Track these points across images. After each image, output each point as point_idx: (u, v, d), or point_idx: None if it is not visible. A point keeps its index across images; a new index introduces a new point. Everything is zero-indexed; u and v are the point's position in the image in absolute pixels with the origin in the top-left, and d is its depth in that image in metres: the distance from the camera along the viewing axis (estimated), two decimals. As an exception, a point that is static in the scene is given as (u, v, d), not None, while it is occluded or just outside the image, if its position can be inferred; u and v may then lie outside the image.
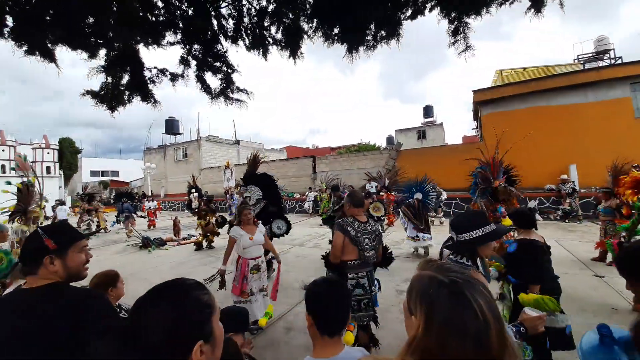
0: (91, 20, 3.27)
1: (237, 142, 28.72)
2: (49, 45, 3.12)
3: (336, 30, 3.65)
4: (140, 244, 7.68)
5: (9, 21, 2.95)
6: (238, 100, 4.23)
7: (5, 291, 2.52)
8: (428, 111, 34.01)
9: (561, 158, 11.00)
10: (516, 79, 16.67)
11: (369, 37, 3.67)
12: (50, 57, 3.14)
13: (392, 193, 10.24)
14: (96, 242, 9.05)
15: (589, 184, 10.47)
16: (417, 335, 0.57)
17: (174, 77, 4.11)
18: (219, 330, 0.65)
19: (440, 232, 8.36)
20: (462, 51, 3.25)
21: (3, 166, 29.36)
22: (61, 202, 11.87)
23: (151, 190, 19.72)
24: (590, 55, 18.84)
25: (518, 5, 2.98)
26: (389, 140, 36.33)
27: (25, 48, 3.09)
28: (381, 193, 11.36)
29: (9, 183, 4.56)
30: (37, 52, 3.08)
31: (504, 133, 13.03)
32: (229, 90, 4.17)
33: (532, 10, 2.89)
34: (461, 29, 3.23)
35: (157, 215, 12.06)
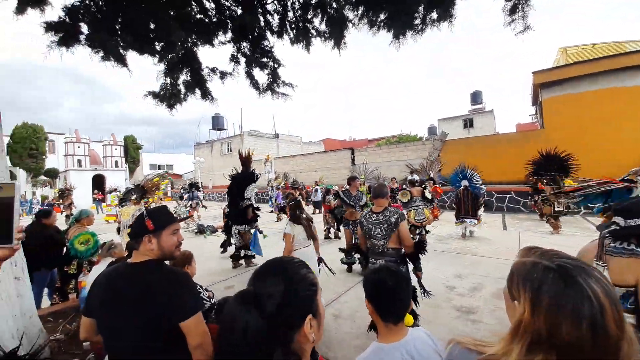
0: (153, 25, 3.60)
1: (277, 135, 29.57)
2: (121, 51, 3.51)
3: (382, 17, 3.53)
4: (196, 230, 8.42)
5: (84, 29, 3.36)
6: (283, 94, 4.35)
7: (93, 269, 2.96)
8: (476, 97, 31.40)
9: (638, 145, 9.45)
10: (584, 57, 14.53)
11: (417, 21, 3.49)
12: (122, 62, 3.52)
13: (437, 185, 9.73)
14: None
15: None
16: (522, 319, 0.57)
17: (223, 75, 4.36)
18: (322, 308, 0.70)
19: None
20: (520, 32, 2.93)
21: (80, 161, 34.03)
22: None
23: (201, 182, 21.34)
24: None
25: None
26: (431, 130, 34.43)
27: (101, 54, 3.51)
28: (424, 185, 10.88)
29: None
30: (112, 58, 3.48)
31: (570, 118, 11.61)
32: (275, 84, 4.30)
33: None
34: (520, 6, 2.90)
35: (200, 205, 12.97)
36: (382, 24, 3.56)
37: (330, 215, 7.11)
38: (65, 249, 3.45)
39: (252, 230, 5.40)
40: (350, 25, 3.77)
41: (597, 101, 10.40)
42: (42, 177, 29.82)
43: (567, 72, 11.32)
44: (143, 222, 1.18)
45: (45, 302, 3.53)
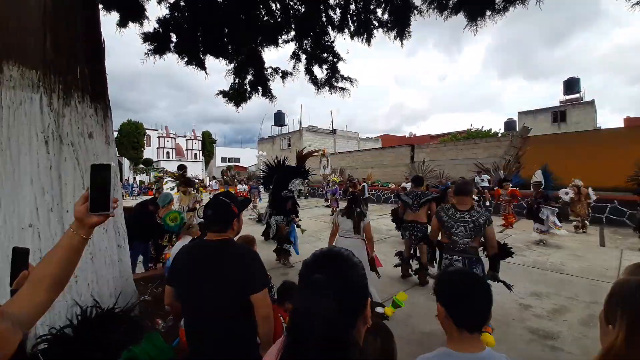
0: (226, 30, 3.95)
1: (334, 131, 29.83)
2: (201, 55, 3.96)
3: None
4: (257, 219, 9.11)
5: (173, 37, 3.87)
6: (342, 88, 4.34)
7: (175, 244, 3.45)
8: (572, 85, 26.37)
9: None
10: None
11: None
12: (202, 65, 3.98)
13: (513, 187, 8.53)
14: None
15: None
16: (614, 345, 0.49)
17: (284, 75, 4.56)
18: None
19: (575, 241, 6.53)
20: (637, 3, 2.31)
21: (168, 152, 39.96)
22: (213, 177, 15.75)
23: (244, 174, 22.93)
24: None
25: None
26: (509, 125, 30.37)
27: (185, 59, 4.01)
28: (496, 187, 9.68)
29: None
30: (194, 62, 3.96)
31: None
32: (333, 79, 4.32)
33: None
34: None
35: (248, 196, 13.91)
36: (454, 7, 3.24)
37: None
38: (158, 225, 4.13)
39: (290, 224, 5.30)
40: (416, 12, 3.53)
41: None
42: (141, 165, 35.93)
43: None
44: (230, 208, 1.35)
45: (140, 269, 4.26)
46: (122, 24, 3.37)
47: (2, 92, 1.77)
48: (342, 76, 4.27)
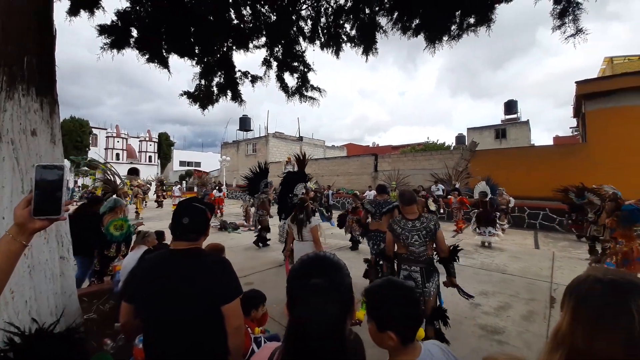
0: (193, 30, 3.81)
1: (300, 138, 29.95)
2: (164, 53, 3.75)
3: (416, 22, 3.48)
4: (219, 226, 8.72)
5: (134, 32, 3.62)
6: (311, 97, 4.42)
7: (128, 255, 3.15)
8: (511, 107, 29.89)
9: None
10: (631, 68, 13.38)
11: (453, 27, 3.41)
12: (164, 64, 3.76)
13: (464, 196, 9.34)
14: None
15: None
16: (561, 327, 0.57)
17: (254, 79, 4.52)
18: None
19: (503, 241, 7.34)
20: (571, 35, 2.76)
21: (118, 154, 36.52)
22: (177, 183, 14.71)
23: (225, 181, 22.08)
24: None
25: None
26: (459, 139, 33.19)
27: (147, 56, 3.76)
28: (449, 196, 10.50)
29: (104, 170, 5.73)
30: (156, 60, 3.73)
31: (615, 133, 10.78)
32: (304, 88, 4.38)
33: None
34: (570, 9, 2.75)
35: (223, 202, 13.32)
36: (416, 30, 3.52)
37: (355, 222, 6.65)
38: (103, 234, 3.71)
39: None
40: (381, 31, 3.76)
41: (648, 116, 9.52)
42: (85, 168, 32.32)
43: (613, 84, 10.47)
44: (206, 214, 1.30)
45: (85, 284, 3.81)
46: (73, 12, 3.07)
47: None
48: (312, 86, 4.36)
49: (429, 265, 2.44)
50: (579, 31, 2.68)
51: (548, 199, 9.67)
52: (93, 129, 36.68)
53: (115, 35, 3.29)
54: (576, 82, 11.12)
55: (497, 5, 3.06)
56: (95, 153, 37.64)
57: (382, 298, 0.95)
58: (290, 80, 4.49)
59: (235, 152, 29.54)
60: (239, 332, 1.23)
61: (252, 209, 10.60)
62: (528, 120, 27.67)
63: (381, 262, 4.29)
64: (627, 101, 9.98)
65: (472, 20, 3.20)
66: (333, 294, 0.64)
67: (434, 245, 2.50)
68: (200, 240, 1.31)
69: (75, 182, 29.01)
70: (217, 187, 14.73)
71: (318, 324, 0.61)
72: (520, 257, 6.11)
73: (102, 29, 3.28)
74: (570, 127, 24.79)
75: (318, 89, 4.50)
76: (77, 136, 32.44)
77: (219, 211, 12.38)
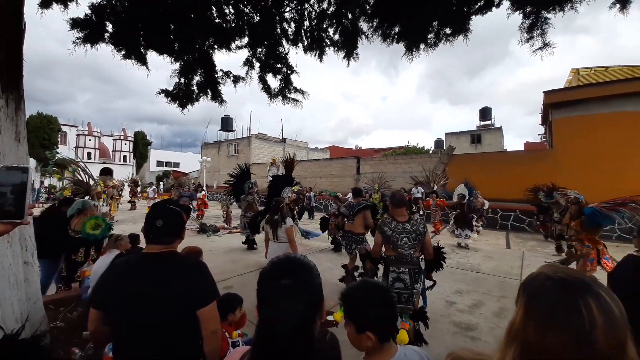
0: (173, 27, 3.72)
1: (284, 140, 29.81)
2: (142, 50, 3.63)
3: (396, 29, 3.60)
4: (198, 229, 8.48)
5: (109, 27, 3.49)
6: (294, 99, 4.43)
7: (98, 260, 3.00)
8: (486, 113, 31.35)
9: (653, 172, 9.29)
10: (596, 79, 14.51)
11: (430, 35, 3.55)
12: (142, 60, 3.64)
13: (441, 198, 9.68)
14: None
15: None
16: (515, 320, 0.59)
17: (236, 79, 4.46)
18: None
19: (478, 241, 7.69)
20: (539, 49, 2.95)
21: (89, 153, 34.59)
22: (151, 184, 14.09)
23: (206, 182, 21.54)
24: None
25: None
26: (438, 143, 34.35)
27: (123, 52, 3.63)
28: (427, 198, 10.84)
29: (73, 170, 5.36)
30: (133, 56, 3.60)
31: (580, 140, 11.55)
32: (286, 90, 4.39)
33: (618, 5, 2.53)
34: (538, 24, 2.94)
35: (205, 204, 12.99)
36: (395, 37, 3.64)
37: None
38: (71, 237, 3.51)
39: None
40: (363, 37, 3.85)
41: (608, 124, 10.32)
42: (52, 168, 30.41)
43: (578, 94, 11.29)
44: (182, 217, 1.28)
45: (52, 289, 3.59)
46: (46, 4, 2.90)
47: None
48: (295, 88, 4.37)
49: (417, 267, 2.49)
50: (546, 45, 2.87)
51: (519, 201, 10.22)
52: (62, 126, 34.59)
53: (89, 29, 3.15)
54: (544, 92, 11.87)
55: (472, 17, 3.22)
56: (64, 152, 35.55)
57: (359, 300, 0.98)
58: (273, 81, 4.48)
59: (216, 152, 28.90)
60: (215, 336, 1.21)
61: (233, 211, 10.47)
62: (501, 126, 29.16)
63: (356, 273, 4.37)
64: (591, 110, 10.78)
65: (448, 31, 3.35)
66: (303, 294, 0.66)
67: (420, 248, 2.55)
68: (175, 243, 1.28)
69: (42, 182, 27.22)
70: (199, 189, 14.36)
71: (287, 324, 0.62)
72: (493, 256, 6.42)
73: (75, 23, 3.12)
74: (539, 134, 26.38)
75: (301, 91, 4.52)
76: (44, 134, 30.44)
77: (199, 213, 12.07)
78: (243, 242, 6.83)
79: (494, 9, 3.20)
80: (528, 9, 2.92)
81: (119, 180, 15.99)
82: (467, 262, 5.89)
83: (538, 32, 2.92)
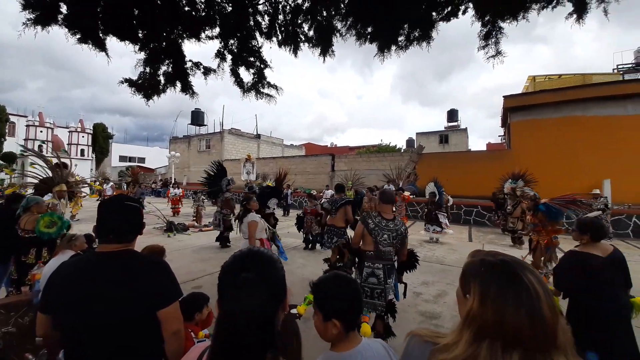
0: (137, 12, 3.49)
1: (258, 136, 29.24)
2: (101, 35, 3.37)
3: (369, 29, 3.67)
4: (165, 228, 8.07)
5: (63, 8, 3.19)
6: (268, 95, 4.36)
7: (50, 261, 2.76)
8: (453, 115, 33.04)
9: (595, 172, 10.39)
10: (550, 86, 15.90)
11: (401, 38, 3.67)
12: (101, 46, 3.38)
13: (407, 194, 10.08)
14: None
15: (623, 200, 9.85)
16: (472, 308, 0.64)
17: (207, 71, 4.29)
18: None
19: (450, 237, 8.18)
20: (492, 56, 3.16)
21: (40, 146, 31.44)
22: (107, 181, 13.32)
23: (174, 178, 20.55)
24: (631, 65, 17.69)
25: (558, 9, 2.86)
26: (409, 142, 35.65)
27: (78, 36, 3.34)
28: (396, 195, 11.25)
29: (32, 163, 4.86)
30: (90, 41, 3.33)
31: (534, 142, 12.55)
32: (260, 85, 4.30)
33: (574, 15, 2.77)
34: (493, 33, 3.15)
35: (181, 202, 12.51)
36: (368, 37, 3.71)
37: (315, 222, 6.56)
38: (21, 237, 3.20)
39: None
40: (338, 35, 3.89)
41: (559, 128, 11.37)
42: (0, 162, 27.27)
43: (533, 99, 12.30)
44: (141, 213, 1.24)
45: (2, 293, 3.26)
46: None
47: None
48: (268, 83, 4.30)
49: (391, 263, 2.56)
50: (498, 53, 3.08)
51: (480, 198, 10.94)
52: (10, 116, 31.13)
53: (41, 10, 2.86)
54: (504, 97, 12.78)
55: (439, 23, 3.38)
56: (12, 144, 31.97)
57: (328, 290, 1.04)
58: (246, 75, 4.38)
59: (186, 147, 27.66)
60: (177, 337, 1.17)
61: (206, 209, 10.12)
62: (467, 127, 30.95)
63: (340, 264, 4.49)
64: (545, 114, 11.80)
65: (417, 34, 3.48)
66: (264, 287, 0.67)
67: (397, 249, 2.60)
68: (133, 241, 1.23)
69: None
70: (173, 185, 13.75)
71: (248, 317, 0.63)
72: (457, 249, 6.84)
73: (27, 3, 2.82)
74: (499, 135, 28.34)
75: (275, 87, 4.45)
76: (-13, 123, 27.20)
77: (175, 211, 11.60)
78: (216, 239, 6.68)
79: (460, 15, 3.38)
80: (486, 18, 3.12)
81: (80, 176, 14.69)
82: (433, 255, 6.22)
83: (493, 40, 3.13)
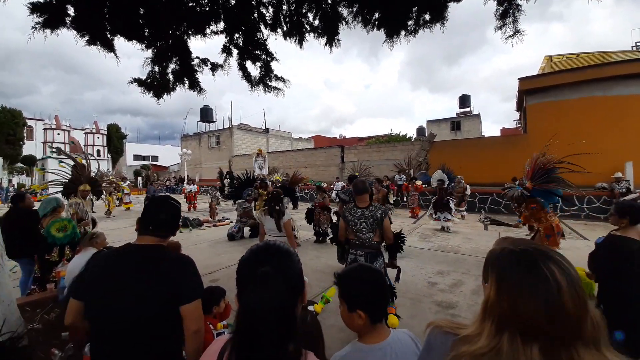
0: (142, 11, 3.50)
1: (267, 130, 29.32)
2: (109, 35, 3.40)
3: (377, 15, 3.56)
4: (180, 223, 8.30)
5: (70, 11, 3.23)
6: (276, 88, 4.33)
7: (74, 259, 2.87)
8: (464, 101, 32.06)
9: (617, 154, 9.88)
10: (568, 65, 15.09)
11: (410, 22, 3.54)
12: (109, 47, 3.42)
13: (420, 183, 9.93)
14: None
15: (648, 183, 9.39)
16: (489, 298, 0.63)
17: (214, 67, 4.29)
18: None
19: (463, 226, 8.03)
20: (510, 36, 3.01)
21: (59, 148, 32.65)
22: (124, 180, 13.92)
23: (187, 175, 20.96)
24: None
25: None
26: (420, 131, 34.95)
27: (87, 38, 3.38)
28: (405, 182, 11.14)
29: (61, 162, 5.04)
30: (98, 42, 3.37)
31: (552, 125, 12.05)
32: (267, 78, 4.27)
33: None
34: (511, 11, 2.99)
35: (196, 198, 12.76)
36: (376, 23, 3.60)
37: (325, 215, 6.55)
38: (44, 236, 3.35)
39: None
40: (344, 23, 3.79)
41: (578, 109, 10.84)
42: (19, 165, 28.48)
43: (550, 80, 11.74)
44: (180, 213, 1.33)
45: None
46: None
47: None
48: (275, 76, 4.26)
49: (375, 250, 2.61)
50: (517, 32, 2.93)
51: (495, 185, 10.65)
52: (28, 120, 32.32)
53: (49, 13, 2.91)
54: (519, 79, 12.25)
55: (449, 3, 3.23)
56: (31, 147, 33.28)
57: (352, 280, 1.05)
58: (253, 69, 4.35)
59: (197, 144, 28.06)
60: (197, 336, 1.18)
61: (222, 205, 10.31)
62: (479, 113, 30.01)
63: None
64: (563, 96, 11.25)
65: (427, 17, 3.35)
66: (282, 280, 0.68)
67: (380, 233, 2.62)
68: (167, 238, 1.29)
69: (10, 180, 25.53)
70: (190, 182, 14.12)
71: (267, 311, 0.64)
72: (472, 238, 6.72)
73: (34, 7, 2.87)
74: (515, 120, 27.37)
75: (282, 79, 4.42)
76: (9, 129, 28.34)
77: (192, 207, 11.93)
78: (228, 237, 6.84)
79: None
80: (502, -4, 2.96)
81: (115, 177, 15.20)
82: (448, 244, 6.13)
83: (510, 19, 2.97)
